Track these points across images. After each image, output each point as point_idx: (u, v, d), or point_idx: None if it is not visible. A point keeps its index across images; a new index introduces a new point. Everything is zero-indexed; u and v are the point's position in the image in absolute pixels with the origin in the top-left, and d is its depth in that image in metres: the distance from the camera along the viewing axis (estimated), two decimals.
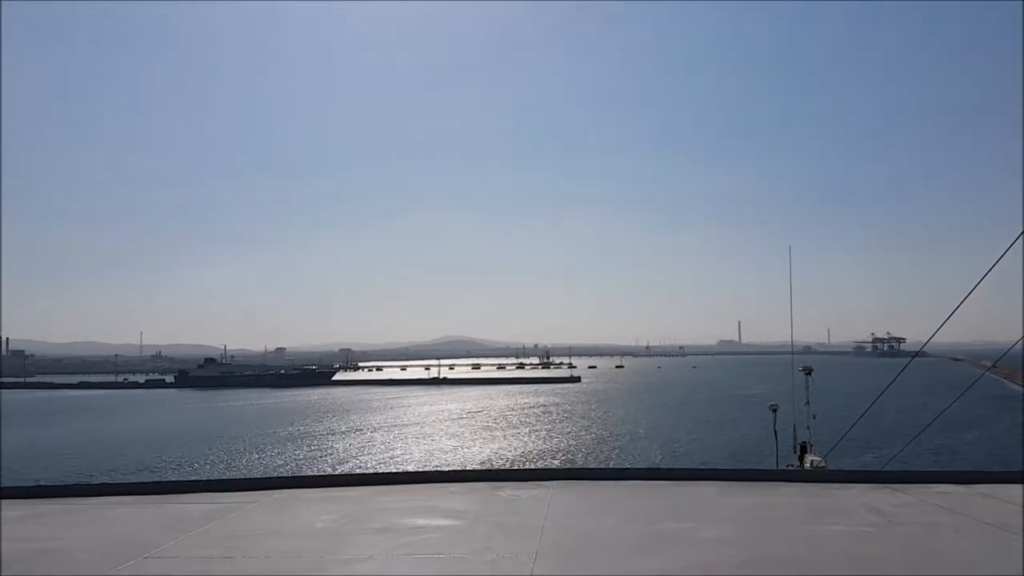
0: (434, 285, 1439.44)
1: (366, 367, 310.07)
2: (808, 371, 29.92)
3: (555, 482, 9.78)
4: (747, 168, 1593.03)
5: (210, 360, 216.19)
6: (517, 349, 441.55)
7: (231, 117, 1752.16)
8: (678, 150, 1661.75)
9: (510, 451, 61.64)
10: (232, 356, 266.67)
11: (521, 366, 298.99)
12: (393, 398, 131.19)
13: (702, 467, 11.20)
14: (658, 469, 11.02)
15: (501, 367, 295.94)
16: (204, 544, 6.98)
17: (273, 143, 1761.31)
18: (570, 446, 63.13)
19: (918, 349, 19.75)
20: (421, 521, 7.72)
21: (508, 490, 9.30)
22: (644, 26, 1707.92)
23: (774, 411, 28.39)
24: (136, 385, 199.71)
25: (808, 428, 27.07)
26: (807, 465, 25.06)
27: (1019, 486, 9.13)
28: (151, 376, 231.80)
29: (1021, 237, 12.00)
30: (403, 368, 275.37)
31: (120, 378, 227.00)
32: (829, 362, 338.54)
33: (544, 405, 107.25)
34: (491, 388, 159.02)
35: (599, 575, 5.83)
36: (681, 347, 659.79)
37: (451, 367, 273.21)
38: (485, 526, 7.43)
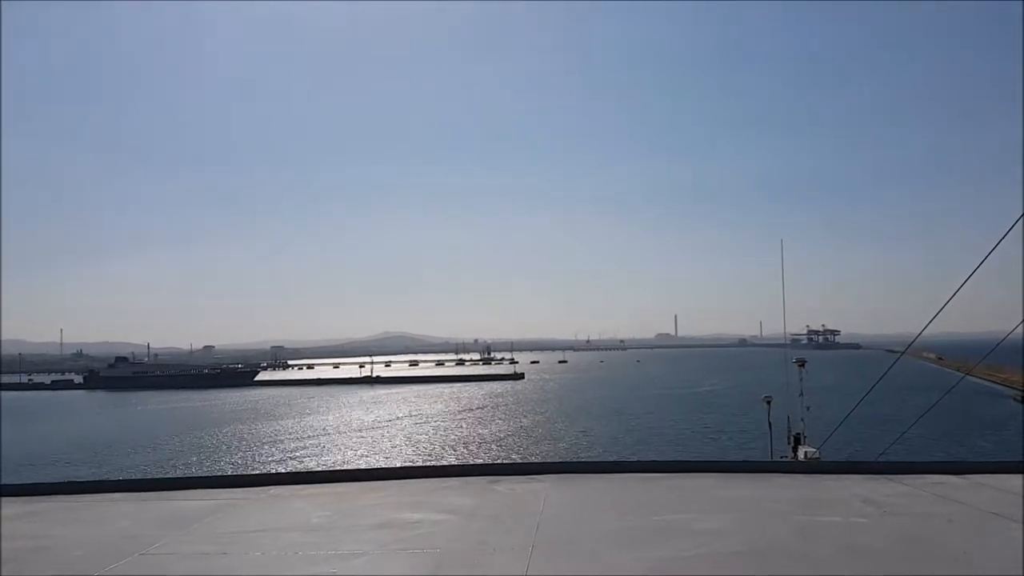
0: (374, 281, 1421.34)
1: (296, 365, 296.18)
2: (802, 363, 29.94)
3: (550, 476, 9.64)
4: (682, 166, 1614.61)
5: (121, 359, 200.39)
6: (457, 345, 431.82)
7: (164, 111, 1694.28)
8: (617, 146, 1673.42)
9: None
10: (156, 354, 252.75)
11: (461, 362, 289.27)
12: (312, 401, 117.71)
13: (696, 459, 11.05)
14: (652, 462, 10.36)
15: (440, 364, 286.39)
16: (200, 540, 6.89)
17: (208, 137, 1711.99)
18: None
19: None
20: (416, 516, 7.59)
21: (504, 484, 9.15)
22: (592, 23, 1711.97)
23: (768, 403, 28.56)
24: (41, 386, 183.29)
25: (802, 420, 27.42)
26: (801, 456, 25.06)
27: (1016, 476, 8.96)
28: (60, 376, 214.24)
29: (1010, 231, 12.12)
30: (336, 366, 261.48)
31: (26, 379, 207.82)
32: (769, 355, 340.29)
33: (484, 409, 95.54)
34: (428, 387, 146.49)
35: (595, 568, 5.73)
36: (622, 341, 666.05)
37: (387, 364, 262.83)
38: (481, 520, 7.36)
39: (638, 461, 10.71)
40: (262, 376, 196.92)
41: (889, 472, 9.43)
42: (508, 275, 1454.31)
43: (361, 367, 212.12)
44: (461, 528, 7.05)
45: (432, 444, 62.77)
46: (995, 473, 9.28)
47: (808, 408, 28.10)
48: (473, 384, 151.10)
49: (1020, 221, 11.88)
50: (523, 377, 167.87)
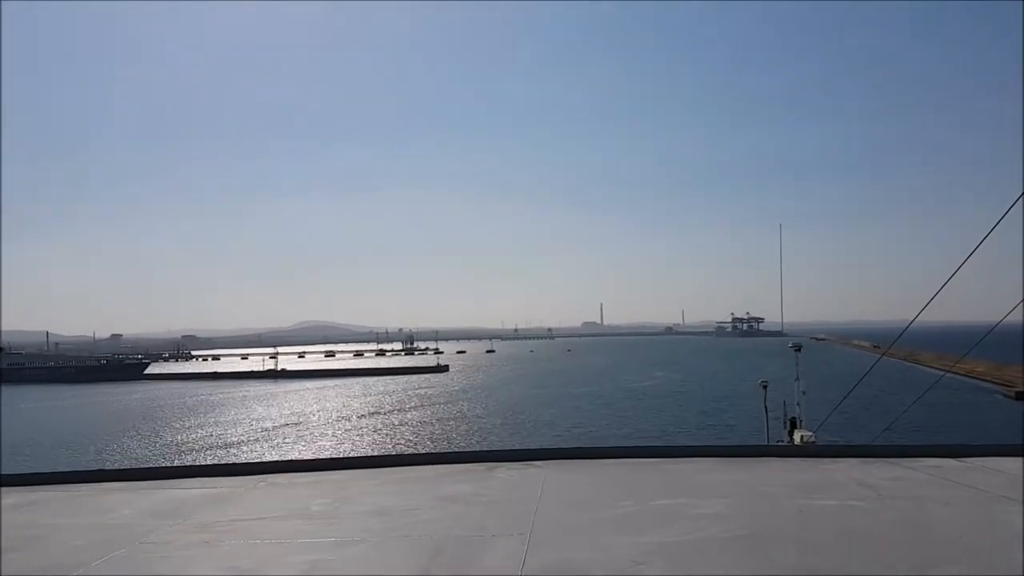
0: (294, 268, 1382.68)
1: (200, 356, 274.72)
2: (798, 348, 31.68)
3: (548, 462, 9.59)
4: (602, 152, 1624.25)
5: None
6: (379, 334, 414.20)
7: (65, 87, 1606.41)
8: (540, 130, 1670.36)
9: None
10: (57, 344, 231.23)
11: (382, 352, 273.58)
12: (194, 400, 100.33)
13: (693, 444, 10.27)
14: (649, 447, 10.43)
15: (359, 354, 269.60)
16: (199, 529, 6.88)
17: (127, 115, 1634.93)
18: None
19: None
20: (415, 502, 7.55)
21: (501, 470, 9.15)
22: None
23: (764, 387, 29.27)
24: None
25: (798, 404, 28.15)
26: (797, 440, 25.43)
27: (1012, 459, 8.92)
28: None
29: (1001, 219, 12.06)
30: (244, 357, 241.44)
31: None
32: (697, 343, 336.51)
33: (394, 413, 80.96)
34: (337, 382, 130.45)
35: (593, 553, 5.68)
36: (550, 329, 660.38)
37: (300, 355, 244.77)
38: (479, 506, 7.34)
39: (634, 446, 10.52)
40: (157, 368, 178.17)
41: (886, 455, 9.28)
42: (434, 263, 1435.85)
43: (271, 358, 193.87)
44: (459, 514, 6.99)
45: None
46: (992, 456, 9.11)
47: (804, 392, 28.09)
48: (390, 378, 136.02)
49: (1018, 209, 11.81)
50: (447, 370, 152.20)
